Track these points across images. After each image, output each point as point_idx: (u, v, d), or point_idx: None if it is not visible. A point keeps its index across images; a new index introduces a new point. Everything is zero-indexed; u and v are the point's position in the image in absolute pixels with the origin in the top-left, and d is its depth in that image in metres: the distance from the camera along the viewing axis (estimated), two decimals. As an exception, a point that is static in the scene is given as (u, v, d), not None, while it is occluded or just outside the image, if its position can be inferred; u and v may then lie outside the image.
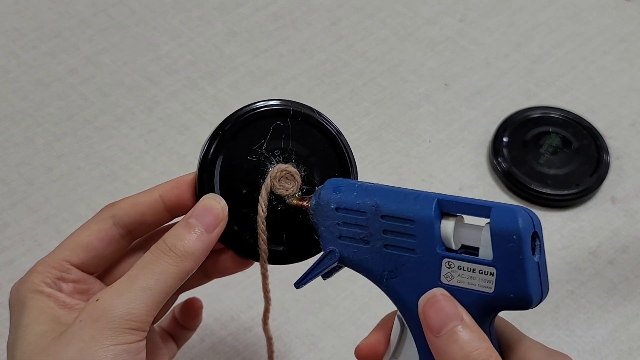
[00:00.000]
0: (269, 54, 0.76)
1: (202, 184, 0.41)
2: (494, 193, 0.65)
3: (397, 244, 0.37)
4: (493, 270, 0.34)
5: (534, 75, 0.74)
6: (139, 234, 0.42)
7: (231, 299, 0.59)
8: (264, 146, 0.42)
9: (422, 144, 0.69)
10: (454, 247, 0.36)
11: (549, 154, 0.66)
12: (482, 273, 0.35)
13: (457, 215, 0.37)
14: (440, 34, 0.78)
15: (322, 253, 0.40)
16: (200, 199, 0.40)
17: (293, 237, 0.42)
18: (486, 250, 0.35)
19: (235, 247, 0.42)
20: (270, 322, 0.46)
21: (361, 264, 0.38)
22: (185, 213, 0.41)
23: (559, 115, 0.69)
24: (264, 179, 0.41)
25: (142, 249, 0.43)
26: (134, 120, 0.71)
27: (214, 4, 0.81)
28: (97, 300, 0.36)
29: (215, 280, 0.60)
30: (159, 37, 0.78)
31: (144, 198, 0.41)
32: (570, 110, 0.70)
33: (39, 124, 0.71)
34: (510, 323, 0.40)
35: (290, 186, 0.42)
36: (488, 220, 0.35)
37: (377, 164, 0.67)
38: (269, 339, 0.47)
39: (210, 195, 0.40)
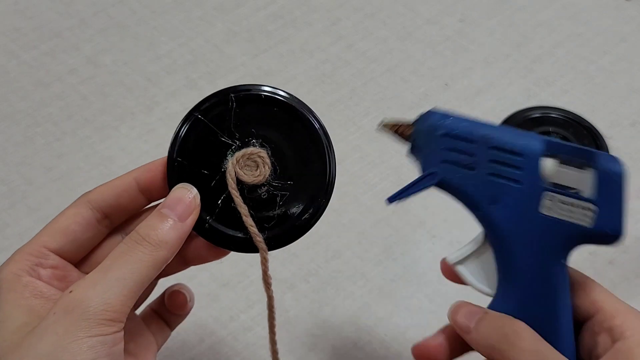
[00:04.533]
0: (269, 54, 0.76)
1: (172, 170, 0.41)
2: (494, 193, 0.65)
3: (504, 174, 0.40)
4: (593, 207, 0.39)
5: (534, 75, 0.74)
6: (116, 219, 0.42)
7: (231, 299, 0.59)
8: (238, 131, 0.41)
9: (422, 144, 0.69)
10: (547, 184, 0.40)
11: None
12: (581, 208, 0.40)
13: (556, 157, 0.40)
14: (440, 34, 0.78)
15: (422, 174, 0.41)
16: (172, 189, 0.40)
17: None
18: (586, 190, 0.40)
19: (207, 235, 0.41)
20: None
21: (461, 188, 0.41)
22: (160, 196, 0.41)
23: (559, 115, 0.69)
24: (226, 166, 0.41)
25: (120, 236, 0.43)
26: (133, 120, 0.71)
27: (214, 4, 0.81)
28: (70, 292, 0.36)
29: (214, 280, 0.60)
30: (159, 37, 0.78)
31: (118, 181, 0.41)
32: (571, 110, 0.70)
33: (39, 124, 0.71)
34: (572, 267, 0.41)
35: (258, 173, 0.41)
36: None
37: (377, 163, 0.67)
38: (269, 297, 0.44)
39: (182, 184, 0.40)
